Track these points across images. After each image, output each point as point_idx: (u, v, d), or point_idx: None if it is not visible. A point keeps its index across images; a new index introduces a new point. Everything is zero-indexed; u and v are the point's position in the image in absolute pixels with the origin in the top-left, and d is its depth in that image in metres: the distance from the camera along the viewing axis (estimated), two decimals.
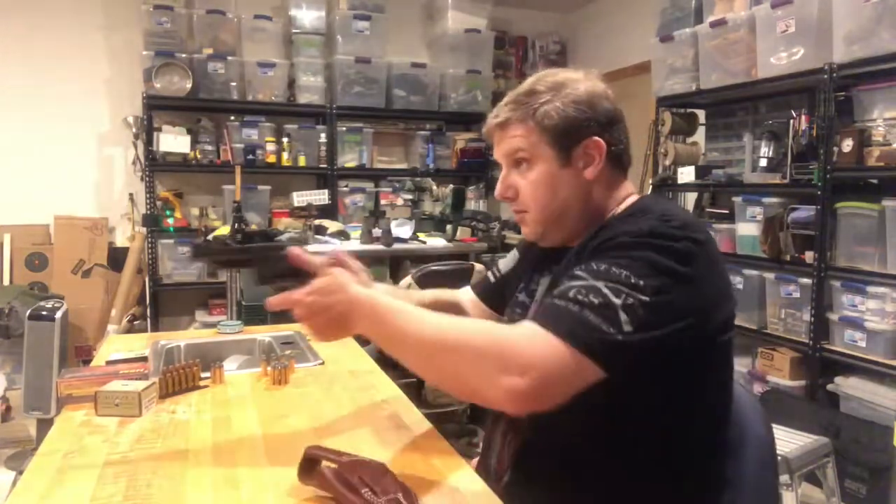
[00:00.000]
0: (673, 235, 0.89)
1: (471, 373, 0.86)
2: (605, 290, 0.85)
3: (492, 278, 1.34)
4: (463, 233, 3.61)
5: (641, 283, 0.85)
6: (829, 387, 2.66)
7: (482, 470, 1.11)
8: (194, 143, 4.05)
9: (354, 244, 3.39)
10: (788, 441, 2.01)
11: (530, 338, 0.85)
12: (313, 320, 0.96)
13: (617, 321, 0.83)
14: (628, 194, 1.07)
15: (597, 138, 1.01)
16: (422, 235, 3.62)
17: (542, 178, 1.03)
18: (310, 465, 0.95)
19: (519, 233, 4.18)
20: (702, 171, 3.31)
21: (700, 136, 3.59)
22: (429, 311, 0.94)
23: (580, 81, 1.03)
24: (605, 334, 0.83)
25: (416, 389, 2.86)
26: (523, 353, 0.84)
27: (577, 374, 0.84)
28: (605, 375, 0.84)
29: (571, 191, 1.03)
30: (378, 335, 0.94)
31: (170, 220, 4.08)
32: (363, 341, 1.78)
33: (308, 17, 4.24)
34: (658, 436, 0.96)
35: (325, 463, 0.94)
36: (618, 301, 0.84)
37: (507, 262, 1.32)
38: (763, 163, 2.93)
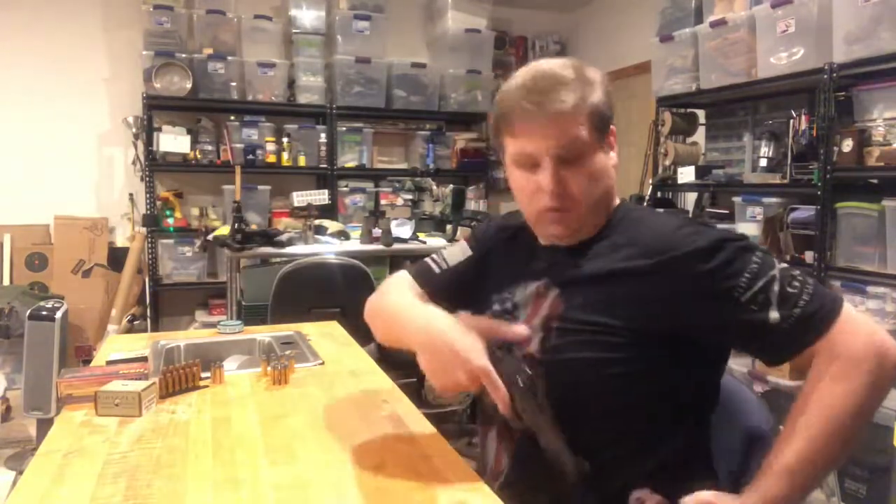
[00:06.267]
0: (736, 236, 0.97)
1: None
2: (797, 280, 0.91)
3: (436, 269, 1.19)
4: (463, 233, 3.61)
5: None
6: None
7: (480, 470, 1.11)
8: (194, 143, 4.05)
9: (354, 244, 3.39)
10: None
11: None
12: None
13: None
14: None
15: (613, 126, 1.03)
16: (422, 235, 3.62)
17: (598, 169, 0.99)
18: None
19: None
20: (702, 171, 3.31)
21: (700, 136, 3.59)
22: None
23: (593, 70, 1.03)
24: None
25: (416, 389, 2.86)
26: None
27: None
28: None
29: (608, 179, 1.02)
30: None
31: (170, 220, 4.08)
32: (363, 341, 1.78)
33: (308, 17, 4.24)
34: (656, 443, 0.97)
35: None
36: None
37: (454, 254, 1.19)
38: (763, 163, 2.93)
